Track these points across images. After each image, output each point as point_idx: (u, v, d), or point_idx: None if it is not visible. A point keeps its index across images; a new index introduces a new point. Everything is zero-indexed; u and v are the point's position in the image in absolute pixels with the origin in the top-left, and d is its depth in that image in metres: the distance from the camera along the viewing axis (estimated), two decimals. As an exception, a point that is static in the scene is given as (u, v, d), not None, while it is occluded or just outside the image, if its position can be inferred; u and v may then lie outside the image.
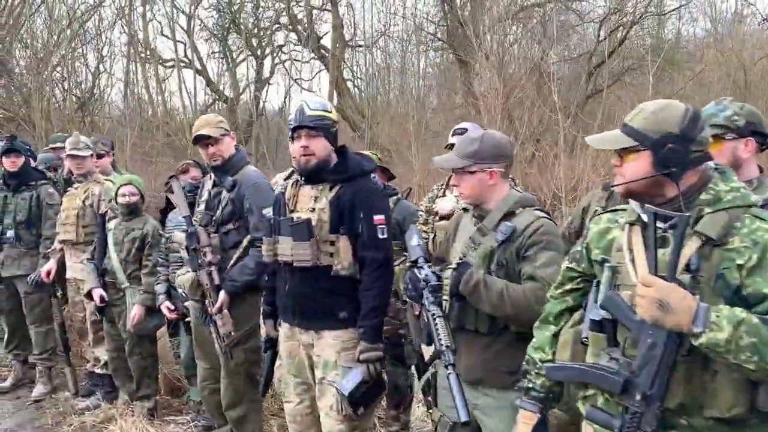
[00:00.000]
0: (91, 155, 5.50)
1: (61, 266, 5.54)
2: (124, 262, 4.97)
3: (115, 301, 5.04)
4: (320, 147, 3.23)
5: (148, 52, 21.98)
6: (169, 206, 5.36)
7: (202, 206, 4.00)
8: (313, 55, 22.52)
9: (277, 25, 24.32)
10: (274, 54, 26.03)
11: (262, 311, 3.75)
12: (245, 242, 3.88)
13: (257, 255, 3.76)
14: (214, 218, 3.91)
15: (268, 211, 3.78)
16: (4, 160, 5.78)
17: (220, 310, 3.79)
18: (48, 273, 5.52)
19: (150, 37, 22.48)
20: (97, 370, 5.49)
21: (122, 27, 21.15)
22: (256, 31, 25.74)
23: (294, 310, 3.36)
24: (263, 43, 25.66)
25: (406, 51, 20.65)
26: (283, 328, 3.49)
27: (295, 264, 3.25)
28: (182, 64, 25.23)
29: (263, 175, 4.18)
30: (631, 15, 15.33)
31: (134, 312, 4.83)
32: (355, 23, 22.52)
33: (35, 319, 5.84)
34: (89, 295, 5.05)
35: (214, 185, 4.01)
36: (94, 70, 18.41)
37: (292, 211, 3.34)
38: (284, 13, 23.52)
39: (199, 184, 4.55)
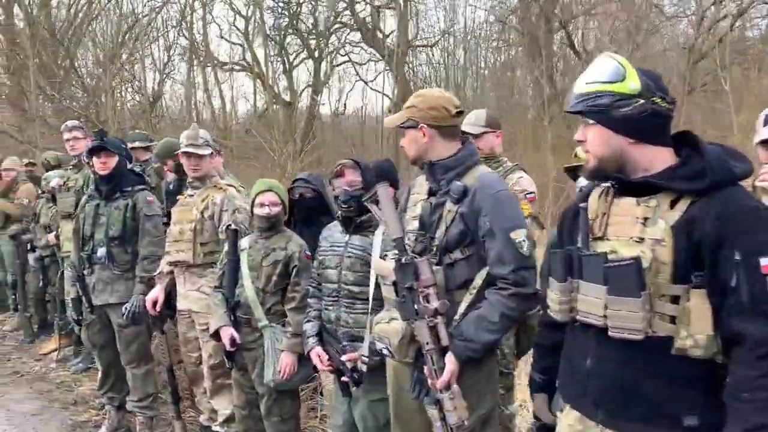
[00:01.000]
0: (212, 154, 4.21)
1: (171, 294, 4.27)
2: (263, 292, 3.65)
3: (249, 344, 3.71)
4: (599, 140, 1.95)
5: (206, 56, 20.93)
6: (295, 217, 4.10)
7: (414, 224, 2.64)
8: (375, 54, 21.28)
9: (337, 25, 23.06)
10: (332, 56, 24.88)
11: (529, 380, 2.38)
12: (479, 280, 2.51)
13: (502, 301, 2.42)
14: (434, 242, 2.54)
15: (519, 235, 2.43)
16: (94, 160, 4.53)
17: (448, 386, 2.42)
18: (154, 303, 4.24)
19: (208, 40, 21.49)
20: (215, 428, 4.17)
21: (182, 30, 20.24)
22: (314, 32, 24.52)
23: (598, 400, 1.99)
24: (321, 45, 24.41)
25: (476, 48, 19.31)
26: (568, 417, 2.13)
27: (611, 332, 1.91)
28: (239, 68, 24.27)
29: (503, 180, 2.83)
30: (738, 4, 13.67)
31: (283, 362, 3.52)
32: (418, 22, 21.32)
33: (132, 358, 4.55)
34: (216, 336, 3.74)
35: (431, 193, 2.65)
36: (162, 70, 17.30)
37: (598, 239, 1.99)
38: (346, 12, 22.35)
39: (355, 193, 3.23)
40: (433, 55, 20.81)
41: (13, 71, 14.75)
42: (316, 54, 24.29)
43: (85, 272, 4.56)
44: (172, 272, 4.21)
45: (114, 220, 4.48)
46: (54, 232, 6.26)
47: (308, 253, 3.68)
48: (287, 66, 24.60)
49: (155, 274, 4.29)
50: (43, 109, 17.38)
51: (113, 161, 4.53)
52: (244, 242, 3.78)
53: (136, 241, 4.49)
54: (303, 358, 3.56)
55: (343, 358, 3.25)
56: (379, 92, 21.48)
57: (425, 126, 2.58)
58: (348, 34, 23.85)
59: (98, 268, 4.49)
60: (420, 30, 21.15)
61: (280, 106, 23.78)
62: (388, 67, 22.18)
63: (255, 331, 3.68)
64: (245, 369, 3.78)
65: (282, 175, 11.98)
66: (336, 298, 3.32)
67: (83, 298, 4.55)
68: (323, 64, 24.40)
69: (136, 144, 6.34)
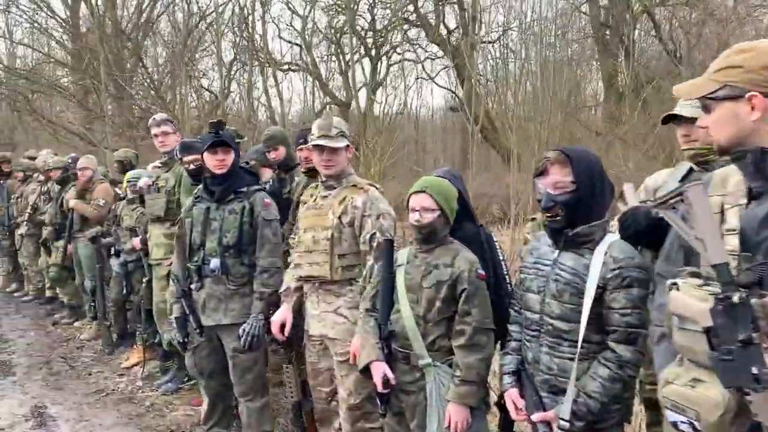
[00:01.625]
0: (347, 147, 3.45)
1: (298, 315, 3.53)
2: (423, 321, 2.86)
3: (408, 386, 2.91)
4: None
5: (264, 56, 20.34)
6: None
7: (732, 241, 1.80)
8: (433, 52, 20.46)
9: (396, 21, 22.24)
10: (389, 54, 24.11)
11: None
12: None
13: None
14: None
15: None
16: (208, 157, 3.81)
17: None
18: (282, 326, 3.50)
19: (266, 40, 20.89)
20: (351, 478, 3.42)
21: (240, 31, 19.69)
22: (372, 29, 23.77)
23: None
24: (378, 44, 23.66)
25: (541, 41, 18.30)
26: None
27: None
28: (296, 68, 23.67)
29: None
30: None
31: (450, 415, 2.73)
32: (481, 17, 20.38)
33: (247, 389, 3.82)
34: (366, 371, 2.97)
35: (753, 196, 1.81)
36: (227, 69, 16.78)
37: None
38: (405, 9, 21.55)
39: (562, 197, 2.42)
40: (495, 50, 19.81)
41: (84, 68, 14.32)
42: (373, 52, 23.60)
43: (193, 287, 3.85)
44: (300, 288, 3.47)
45: (229, 226, 3.75)
46: (140, 237, 5.61)
47: (482, 272, 2.88)
48: (343, 65, 23.96)
49: (281, 290, 3.56)
50: (110, 108, 17.00)
51: (231, 158, 3.82)
52: (401, 255, 3.00)
53: (254, 250, 3.77)
54: (477, 410, 2.79)
55: (534, 417, 2.47)
56: (446, 89, 20.43)
57: (758, 95, 1.73)
58: (408, 30, 23.12)
59: (210, 283, 3.77)
60: (482, 24, 20.22)
61: (337, 105, 23.21)
62: (451, 64, 21.41)
63: (415, 369, 2.89)
64: (401, 414, 3.00)
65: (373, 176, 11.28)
66: (537, 333, 2.53)
67: (190, 317, 3.84)
68: (380, 62, 23.74)
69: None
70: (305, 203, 3.54)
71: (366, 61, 24.23)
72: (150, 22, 15.44)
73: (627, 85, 14.16)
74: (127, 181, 6.32)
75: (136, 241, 5.58)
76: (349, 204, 3.28)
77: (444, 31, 20.73)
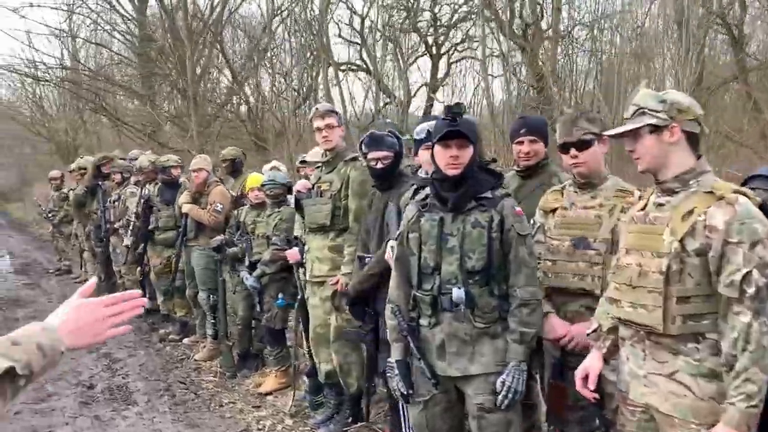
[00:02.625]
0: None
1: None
2: None
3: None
4: None
5: (328, 55, 19.40)
6: None
7: None
8: (514, 44, 19.27)
9: (463, 15, 21.13)
10: (450, 52, 23.04)
11: None
12: None
13: None
14: None
15: None
16: (439, 152, 2.84)
17: None
18: (585, 378, 2.52)
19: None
20: None
21: (304, 32, 18.81)
22: (435, 25, 22.70)
23: None
24: (439, 42, 22.61)
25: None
26: None
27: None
28: (355, 68, 22.71)
29: None
30: None
31: None
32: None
33: None
34: None
35: None
36: (314, 69, 15.87)
37: None
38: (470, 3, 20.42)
39: None
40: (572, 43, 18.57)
41: (176, 65, 13.55)
42: (434, 50, 22.58)
43: (423, 323, 2.88)
44: (615, 330, 2.47)
45: (473, 245, 2.78)
46: (294, 248, 4.70)
47: None
48: (402, 64, 22.96)
49: (589, 331, 2.57)
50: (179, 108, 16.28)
51: (468, 155, 2.85)
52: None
53: (506, 276, 2.80)
54: None
55: None
56: (524, 82, 19.15)
57: None
58: (472, 25, 22.00)
59: (450, 319, 2.80)
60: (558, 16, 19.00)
61: (396, 105, 22.24)
62: (524, 60, 20.24)
63: None
64: None
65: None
66: None
67: (421, 362, 2.88)
68: (441, 60, 22.70)
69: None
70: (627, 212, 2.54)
71: (427, 59, 23.19)
72: (227, 14, 14.64)
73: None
74: (261, 185, 5.42)
75: (293, 253, 4.65)
76: (699, 221, 2.24)
77: (517, 24, 19.49)
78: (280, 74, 14.44)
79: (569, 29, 18.50)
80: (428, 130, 3.35)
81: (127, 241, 7.31)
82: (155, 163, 7.25)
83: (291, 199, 5.53)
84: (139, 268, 7.46)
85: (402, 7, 21.79)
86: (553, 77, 15.77)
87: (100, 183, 8.46)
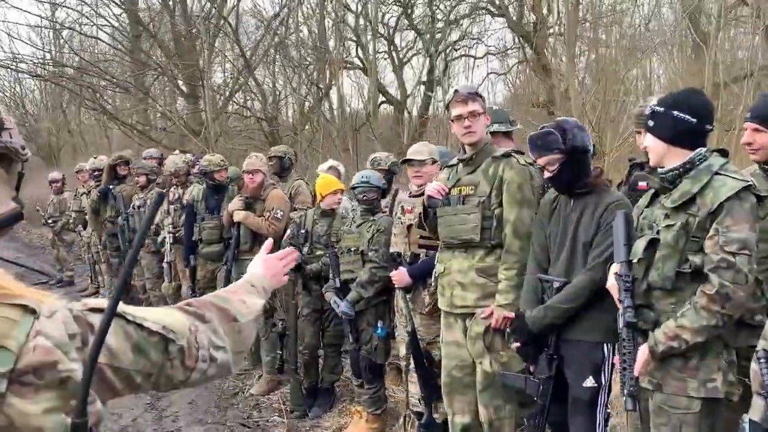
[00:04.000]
0: None
1: None
2: None
3: None
4: None
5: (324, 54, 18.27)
6: None
7: None
8: (517, 41, 18.34)
9: (465, 11, 20.17)
10: (448, 51, 22.05)
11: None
12: None
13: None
14: None
15: None
16: None
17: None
18: None
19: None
20: None
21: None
22: (433, 20, 21.65)
23: None
24: (436, 41, 21.60)
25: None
26: None
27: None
28: (349, 66, 21.60)
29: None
30: None
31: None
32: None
33: None
34: None
35: None
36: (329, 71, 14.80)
37: None
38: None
39: None
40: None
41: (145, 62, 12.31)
42: (432, 48, 21.57)
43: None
44: None
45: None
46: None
47: None
48: (396, 62, 21.95)
49: None
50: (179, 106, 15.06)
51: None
52: None
53: None
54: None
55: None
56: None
57: None
58: (471, 23, 21.10)
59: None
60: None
61: (391, 104, 21.22)
62: (524, 59, 19.35)
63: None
64: None
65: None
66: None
67: None
68: (438, 59, 21.70)
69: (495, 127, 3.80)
70: None
71: (424, 59, 22.17)
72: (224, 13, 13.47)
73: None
74: (352, 188, 4.40)
75: (401, 276, 3.65)
76: None
77: (525, 21, 18.60)
78: (297, 66, 13.27)
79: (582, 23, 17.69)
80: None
81: (169, 256, 6.18)
82: (190, 165, 6.17)
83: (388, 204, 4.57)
84: (171, 283, 6.38)
85: (398, 3, 20.73)
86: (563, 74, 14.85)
87: (111, 187, 7.30)
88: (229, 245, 5.45)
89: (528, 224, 3.10)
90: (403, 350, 3.94)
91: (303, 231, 4.86)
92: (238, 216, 5.25)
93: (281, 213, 5.20)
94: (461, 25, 21.13)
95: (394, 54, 21.89)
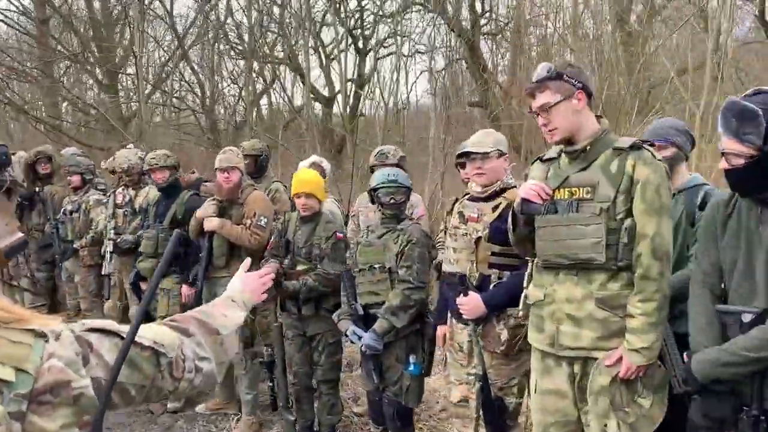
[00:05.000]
0: None
1: None
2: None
3: None
4: None
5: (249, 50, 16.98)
6: None
7: None
8: (453, 38, 17.64)
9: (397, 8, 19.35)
10: (377, 49, 21.16)
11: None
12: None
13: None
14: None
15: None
16: None
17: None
18: None
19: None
20: None
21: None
22: (359, 22, 20.77)
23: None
24: (365, 36, 20.68)
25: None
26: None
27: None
28: (277, 60, 20.35)
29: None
30: None
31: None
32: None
33: None
34: None
35: None
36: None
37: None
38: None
39: None
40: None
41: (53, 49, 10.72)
42: (361, 44, 20.65)
43: None
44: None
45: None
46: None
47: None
48: (323, 59, 20.89)
49: None
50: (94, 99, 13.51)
51: None
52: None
53: None
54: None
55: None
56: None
57: None
58: (400, 22, 20.28)
59: None
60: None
61: (319, 102, 20.16)
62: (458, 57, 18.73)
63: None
64: None
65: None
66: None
67: None
68: (368, 56, 20.78)
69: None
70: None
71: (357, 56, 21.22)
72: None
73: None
74: (373, 189, 3.46)
75: (475, 304, 2.75)
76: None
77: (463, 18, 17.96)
78: (236, 53, 12.00)
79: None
80: None
81: (108, 267, 4.99)
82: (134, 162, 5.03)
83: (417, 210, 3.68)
84: (111, 303, 5.22)
85: (327, -3, 19.63)
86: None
87: (37, 190, 5.98)
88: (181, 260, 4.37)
89: (669, 240, 2.28)
90: (456, 394, 3.05)
91: (284, 240, 3.89)
92: (211, 224, 4.19)
93: (265, 220, 4.19)
94: (391, 21, 20.36)
95: (321, 50, 20.87)
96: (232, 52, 14.13)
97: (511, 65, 15.31)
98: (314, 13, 19.95)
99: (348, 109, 20.66)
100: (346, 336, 3.42)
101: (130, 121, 12.98)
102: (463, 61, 18.09)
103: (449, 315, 3.10)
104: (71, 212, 5.51)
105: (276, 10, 18.48)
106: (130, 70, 12.68)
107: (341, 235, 3.83)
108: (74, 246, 5.47)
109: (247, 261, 1.84)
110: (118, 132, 11.89)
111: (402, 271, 3.28)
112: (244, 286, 1.66)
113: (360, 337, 3.32)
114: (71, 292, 5.71)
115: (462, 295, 2.78)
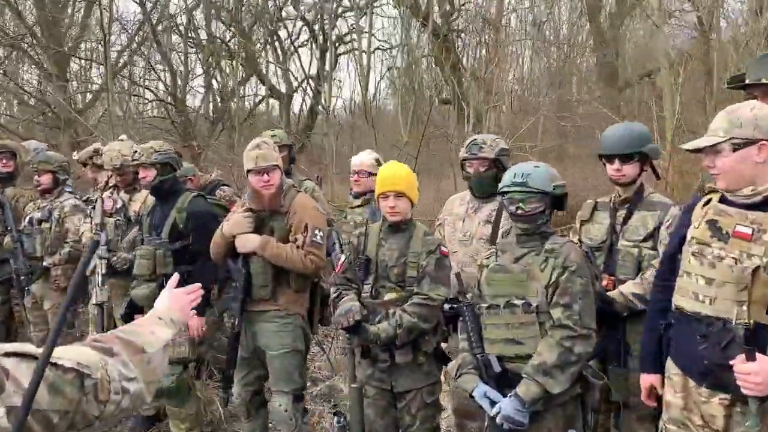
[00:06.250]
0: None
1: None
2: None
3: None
4: None
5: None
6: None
7: None
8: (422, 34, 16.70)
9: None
10: (337, 44, 20.04)
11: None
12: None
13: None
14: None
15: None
16: None
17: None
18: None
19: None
20: None
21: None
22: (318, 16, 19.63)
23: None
24: (325, 29, 19.50)
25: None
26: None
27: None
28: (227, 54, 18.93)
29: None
30: None
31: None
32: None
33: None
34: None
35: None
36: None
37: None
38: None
39: None
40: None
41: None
42: (321, 39, 19.49)
43: None
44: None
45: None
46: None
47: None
48: (280, 54, 19.63)
49: None
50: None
51: None
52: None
53: None
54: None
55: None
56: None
57: None
58: (363, 14, 19.22)
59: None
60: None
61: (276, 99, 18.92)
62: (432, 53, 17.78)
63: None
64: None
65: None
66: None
67: None
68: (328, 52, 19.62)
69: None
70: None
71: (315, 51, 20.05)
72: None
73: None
74: (503, 191, 2.46)
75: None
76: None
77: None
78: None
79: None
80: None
81: (100, 295, 3.77)
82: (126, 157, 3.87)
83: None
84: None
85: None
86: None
87: (-3, 191, 4.67)
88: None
89: None
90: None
91: (362, 259, 2.85)
92: (250, 243, 3.08)
93: (321, 234, 3.13)
94: (350, 16, 19.32)
95: (278, 44, 19.61)
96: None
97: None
98: (269, 7, 18.64)
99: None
100: (471, 397, 2.41)
101: (82, 115, 11.48)
102: (433, 58, 17.21)
103: (674, 366, 2.13)
104: (40, 221, 4.26)
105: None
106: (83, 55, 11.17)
107: (446, 250, 2.83)
108: (44, 264, 4.24)
109: (175, 277, 1.68)
110: (68, 127, 10.44)
111: (558, 312, 2.30)
112: (172, 303, 1.57)
113: (493, 403, 2.32)
114: (37, 321, 4.45)
115: (746, 358, 1.80)
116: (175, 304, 1.56)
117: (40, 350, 1.04)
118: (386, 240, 2.84)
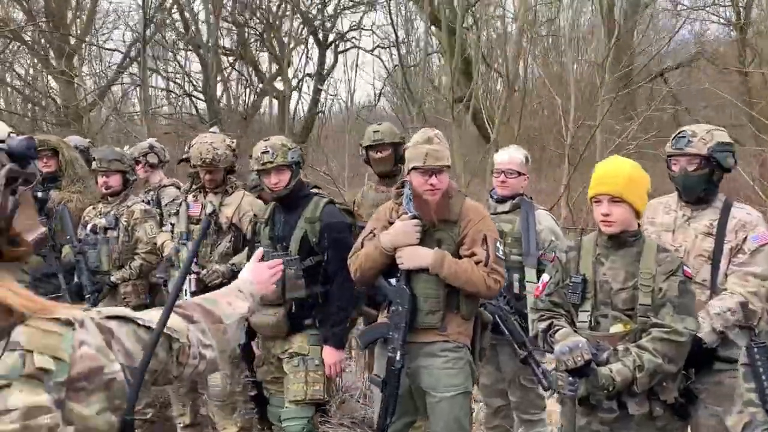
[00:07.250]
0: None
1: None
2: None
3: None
4: None
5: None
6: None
7: None
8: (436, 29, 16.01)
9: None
10: (337, 42, 19.33)
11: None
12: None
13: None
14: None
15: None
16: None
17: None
18: None
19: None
20: None
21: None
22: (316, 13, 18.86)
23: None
24: (326, 29, 18.79)
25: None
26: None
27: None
28: (229, 53, 18.14)
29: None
30: None
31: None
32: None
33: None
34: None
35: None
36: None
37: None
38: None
39: None
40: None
41: None
42: (321, 37, 18.77)
43: None
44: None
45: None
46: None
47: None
48: (277, 52, 18.85)
49: None
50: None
51: None
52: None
53: None
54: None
55: None
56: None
57: None
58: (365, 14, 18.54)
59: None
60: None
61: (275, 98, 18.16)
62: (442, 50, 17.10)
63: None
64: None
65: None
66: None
67: None
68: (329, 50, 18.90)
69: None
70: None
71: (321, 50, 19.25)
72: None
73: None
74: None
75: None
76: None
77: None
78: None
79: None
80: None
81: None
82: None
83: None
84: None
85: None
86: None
87: (40, 194, 3.87)
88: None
89: None
90: None
91: (578, 280, 2.22)
92: (421, 258, 2.42)
93: (502, 249, 2.49)
94: (351, 13, 18.68)
95: (275, 42, 18.82)
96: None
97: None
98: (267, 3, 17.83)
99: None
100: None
101: (88, 113, 10.66)
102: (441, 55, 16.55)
103: None
104: (105, 229, 3.53)
105: None
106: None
107: (689, 270, 2.21)
108: (111, 279, 3.51)
109: (260, 250, 1.67)
110: (73, 125, 9.63)
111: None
112: (253, 276, 1.57)
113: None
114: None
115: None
116: (257, 277, 1.56)
117: (138, 314, 1.12)
118: (606, 257, 2.22)
